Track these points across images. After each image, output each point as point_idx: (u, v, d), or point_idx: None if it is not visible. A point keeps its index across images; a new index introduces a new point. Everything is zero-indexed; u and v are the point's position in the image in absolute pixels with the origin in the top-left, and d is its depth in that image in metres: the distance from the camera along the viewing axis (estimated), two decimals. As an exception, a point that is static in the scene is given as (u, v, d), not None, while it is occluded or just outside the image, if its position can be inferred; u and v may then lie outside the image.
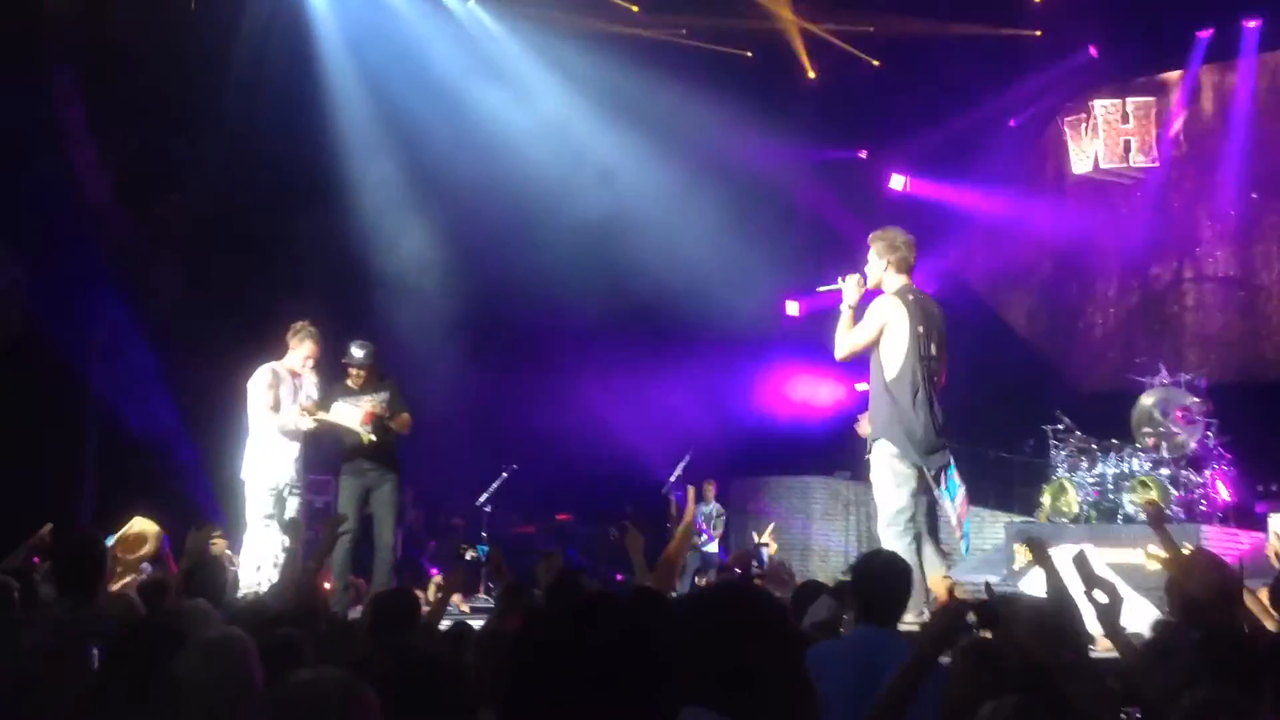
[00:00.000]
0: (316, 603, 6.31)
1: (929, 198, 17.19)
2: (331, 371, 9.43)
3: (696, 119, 14.23)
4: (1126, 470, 12.96)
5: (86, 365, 13.74)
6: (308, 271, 13.39)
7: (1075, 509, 13.10)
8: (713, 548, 14.49)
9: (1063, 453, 13.52)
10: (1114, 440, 13.22)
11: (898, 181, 17.54)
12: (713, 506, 14.55)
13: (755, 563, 5.56)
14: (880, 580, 4.50)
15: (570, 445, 14.93)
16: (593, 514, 15.96)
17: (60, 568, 5.15)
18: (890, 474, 7.05)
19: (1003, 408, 15.50)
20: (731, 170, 15.28)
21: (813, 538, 15.64)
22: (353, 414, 9.08)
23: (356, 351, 9.24)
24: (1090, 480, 13.18)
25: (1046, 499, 13.40)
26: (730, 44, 14.94)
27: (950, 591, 6.33)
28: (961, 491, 7.23)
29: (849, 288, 7.34)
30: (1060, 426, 13.57)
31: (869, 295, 7.40)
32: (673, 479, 12.22)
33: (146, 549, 7.56)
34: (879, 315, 7.16)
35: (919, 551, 6.91)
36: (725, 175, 15.18)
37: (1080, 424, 13.52)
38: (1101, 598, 4.04)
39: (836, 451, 16.01)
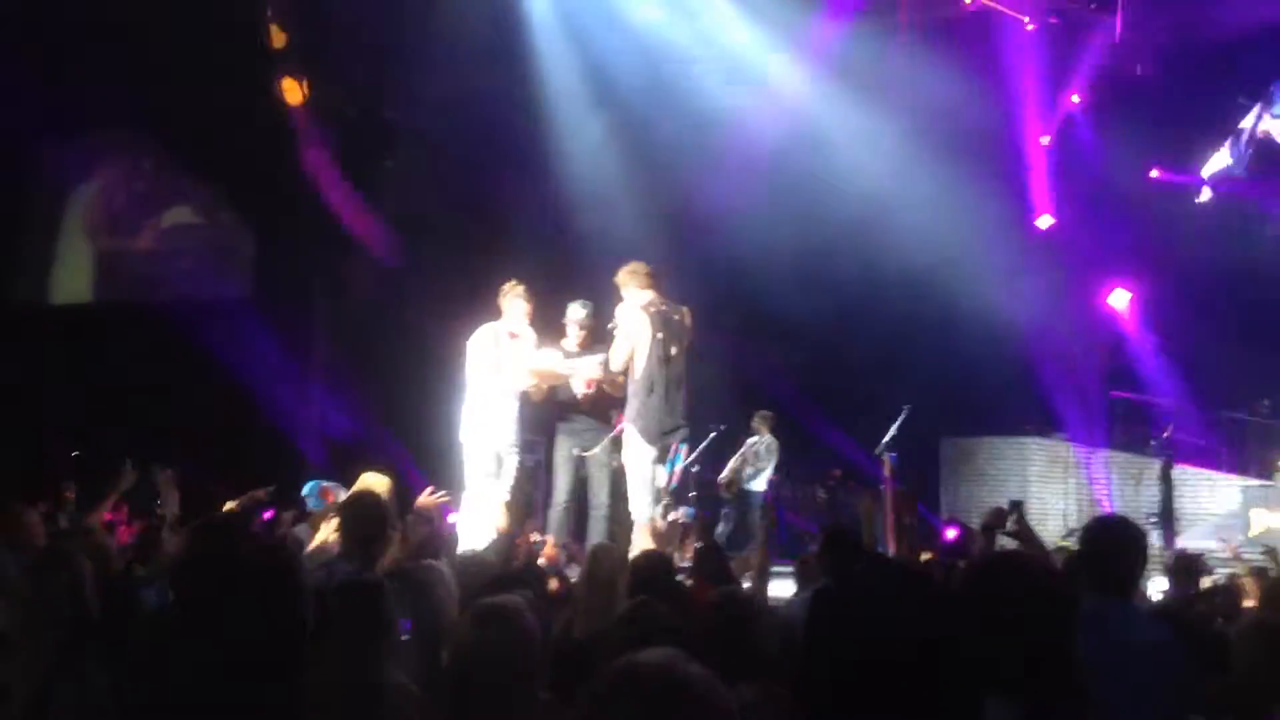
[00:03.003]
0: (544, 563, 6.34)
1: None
2: (548, 330, 9.43)
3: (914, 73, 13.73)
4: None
5: (309, 326, 14.23)
6: (520, 233, 13.50)
7: (1319, 474, 12.37)
8: (758, 484, 13.63)
9: (1305, 413, 12.75)
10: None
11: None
12: (766, 439, 13.66)
13: (1012, 521, 5.30)
14: (1114, 549, 4.21)
15: (778, 404, 14.74)
16: (800, 474, 15.78)
17: (348, 530, 5.19)
18: (636, 451, 8.53)
19: (1235, 365, 14.64)
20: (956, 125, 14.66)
21: (1029, 500, 15.05)
22: (562, 363, 9.09)
23: (578, 310, 9.20)
24: (1337, 443, 12.42)
25: (1287, 463, 12.68)
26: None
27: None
28: (680, 465, 9.06)
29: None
30: (1304, 385, 12.79)
31: None
32: (887, 439, 11.84)
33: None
34: (625, 327, 8.58)
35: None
36: (950, 131, 14.59)
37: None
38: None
39: (1056, 412, 15.43)
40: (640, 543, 8.20)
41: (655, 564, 5.08)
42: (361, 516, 5.14)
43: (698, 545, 5.80)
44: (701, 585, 4.85)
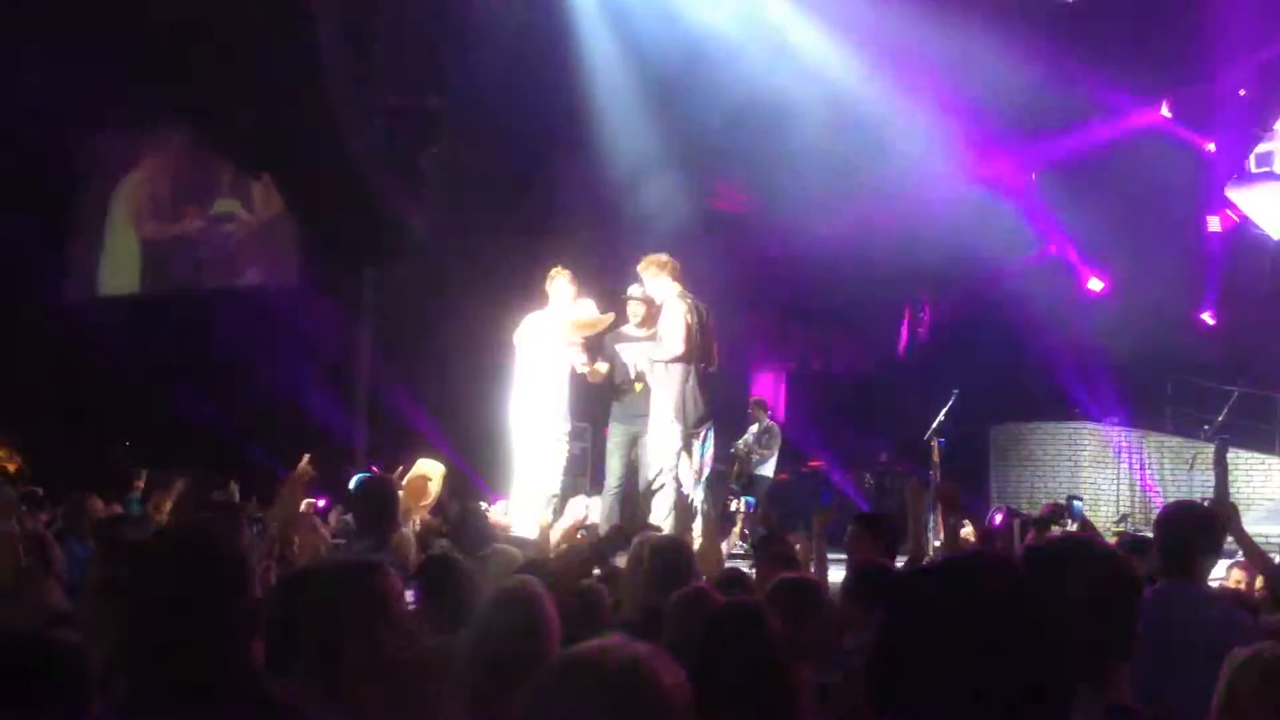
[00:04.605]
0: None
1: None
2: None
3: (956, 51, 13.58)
4: None
5: (356, 314, 14.27)
6: (566, 217, 13.46)
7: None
8: (766, 470, 13.51)
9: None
10: None
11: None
12: (764, 424, 13.51)
13: (1069, 515, 5.24)
14: (1184, 532, 4.21)
15: (822, 393, 14.66)
16: (845, 461, 15.69)
17: (360, 510, 5.39)
18: (669, 438, 8.60)
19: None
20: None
21: (1081, 486, 14.89)
22: (629, 353, 9.00)
23: (638, 289, 9.06)
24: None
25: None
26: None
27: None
28: (709, 454, 8.97)
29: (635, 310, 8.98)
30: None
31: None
32: (935, 424, 11.74)
33: (432, 487, 7.65)
34: (672, 312, 8.63)
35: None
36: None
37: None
38: None
39: (1107, 397, 15.25)
40: (692, 529, 8.17)
41: (675, 551, 5.05)
42: (371, 498, 5.30)
43: (762, 533, 5.75)
44: (765, 571, 4.82)
